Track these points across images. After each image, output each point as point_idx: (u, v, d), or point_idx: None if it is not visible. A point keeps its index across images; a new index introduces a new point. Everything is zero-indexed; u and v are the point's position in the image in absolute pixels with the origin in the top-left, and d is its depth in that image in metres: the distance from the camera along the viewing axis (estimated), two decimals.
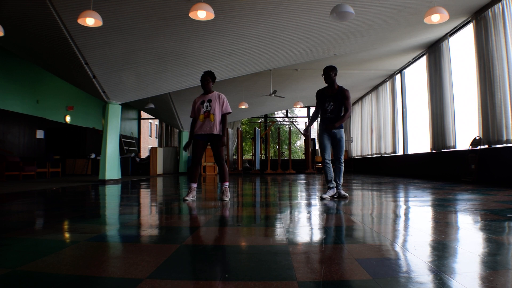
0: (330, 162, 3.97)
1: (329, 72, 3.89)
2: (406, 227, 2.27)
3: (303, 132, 4.29)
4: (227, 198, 3.84)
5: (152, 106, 12.78)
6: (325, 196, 3.85)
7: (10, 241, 1.87)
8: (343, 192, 3.92)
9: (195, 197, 3.92)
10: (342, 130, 3.95)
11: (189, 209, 3.22)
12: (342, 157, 3.92)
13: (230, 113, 3.91)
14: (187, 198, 3.79)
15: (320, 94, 4.02)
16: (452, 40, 7.66)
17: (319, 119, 4.11)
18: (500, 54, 5.79)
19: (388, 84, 11.47)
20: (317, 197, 4.08)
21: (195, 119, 3.92)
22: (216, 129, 3.82)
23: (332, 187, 3.93)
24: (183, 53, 7.24)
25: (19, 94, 10.50)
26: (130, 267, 1.38)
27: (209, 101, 3.85)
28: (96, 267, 1.39)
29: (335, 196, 3.93)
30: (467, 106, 7.51)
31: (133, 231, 2.20)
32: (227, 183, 3.92)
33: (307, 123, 4.97)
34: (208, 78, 3.85)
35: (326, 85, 3.98)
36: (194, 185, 3.90)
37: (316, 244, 1.82)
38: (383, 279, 1.22)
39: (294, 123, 20.85)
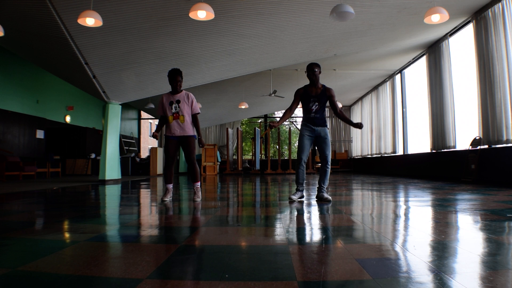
0: (305, 165, 3.75)
1: (314, 69, 3.67)
2: (406, 227, 2.27)
3: (271, 125, 3.70)
4: (199, 198, 3.80)
5: (152, 106, 12.79)
6: (294, 197, 3.66)
7: (10, 241, 1.87)
8: (326, 195, 3.68)
9: (171, 198, 3.84)
10: (327, 128, 3.76)
11: (189, 209, 3.22)
12: (329, 158, 3.69)
13: (198, 113, 3.82)
14: (165, 199, 3.71)
15: (302, 93, 3.75)
16: (452, 40, 7.66)
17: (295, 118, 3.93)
18: (500, 54, 5.79)
19: (388, 84, 11.47)
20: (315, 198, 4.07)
21: (163, 117, 3.82)
22: (189, 131, 3.75)
23: (302, 190, 3.74)
24: (183, 53, 7.24)
25: (19, 94, 10.49)
26: (130, 267, 1.38)
27: (178, 101, 3.73)
28: (96, 267, 1.39)
29: (301, 199, 3.74)
30: (467, 106, 7.52)
31: (133, 231, 2.20)
32: (198, 183, 3.86)
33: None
34: (179, 78, 3.73)
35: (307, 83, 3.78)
36: (170, 186, 3.83)
37: (316, 244, 1.82)
38: (383, 279, 1.22)
39: (294, 123, 20.82)
